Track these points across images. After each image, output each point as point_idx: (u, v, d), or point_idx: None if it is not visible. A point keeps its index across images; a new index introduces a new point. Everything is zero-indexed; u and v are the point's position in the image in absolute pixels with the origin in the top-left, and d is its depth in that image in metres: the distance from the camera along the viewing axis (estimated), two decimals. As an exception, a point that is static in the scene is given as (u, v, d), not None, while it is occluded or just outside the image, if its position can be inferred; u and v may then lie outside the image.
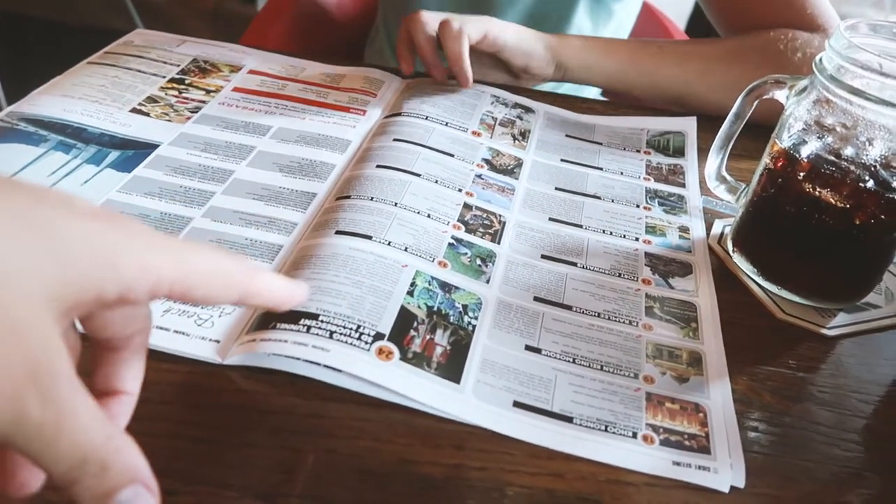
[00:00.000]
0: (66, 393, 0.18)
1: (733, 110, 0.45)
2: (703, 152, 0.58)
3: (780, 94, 0.42)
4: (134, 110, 0.54)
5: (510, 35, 0.60)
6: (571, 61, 0.63)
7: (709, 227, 0.50)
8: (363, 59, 0.91)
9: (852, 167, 0.39)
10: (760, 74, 0.43)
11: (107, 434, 0.19)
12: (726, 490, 0.32)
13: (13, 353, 0.17)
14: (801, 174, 0.40)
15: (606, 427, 0.34)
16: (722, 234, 0.49)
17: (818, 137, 0.40)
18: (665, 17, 0.99)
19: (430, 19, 0.58)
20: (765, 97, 0.43)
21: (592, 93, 0.88)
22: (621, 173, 0.54)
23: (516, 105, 0.61)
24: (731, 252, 0.46)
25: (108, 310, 0.22)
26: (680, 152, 0.58)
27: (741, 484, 0.32)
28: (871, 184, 0.38)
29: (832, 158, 0.39)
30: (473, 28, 0.57)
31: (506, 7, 0.76)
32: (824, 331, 0.42)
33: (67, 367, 0.18)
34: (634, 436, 0.34)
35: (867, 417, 0.37)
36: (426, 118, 0.56)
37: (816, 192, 0.39)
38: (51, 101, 0.53)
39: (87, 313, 0.20)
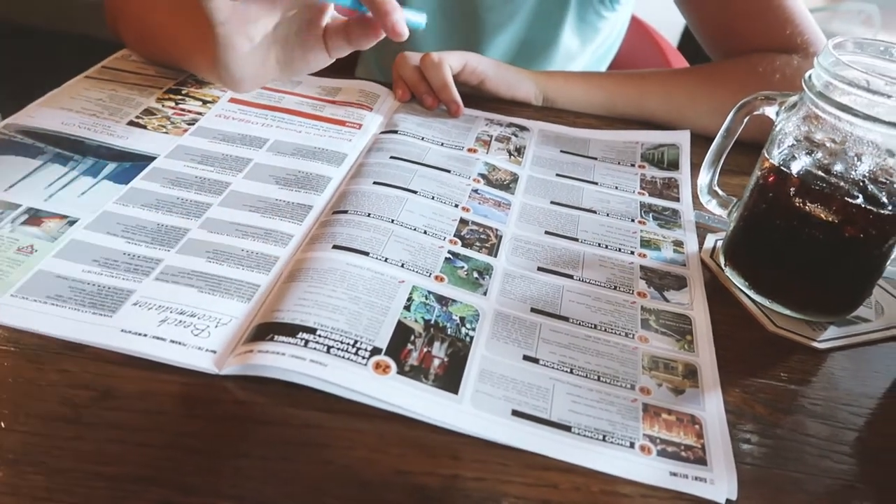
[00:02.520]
0: None
1: (724, 126, 0.46)
2: (696, 167, 0.58)
3: (770, 111, 0.43)
4: (131, 123, 0.54)
5: (488, 66, 0.63)
6: (557, 95, 0.66)
7: (701, 242, 0.50)
8: (354, 74, 0.92)
9: (841, 182, 0.39)
10: (743, 97, 0.44)
11: None
12: (722, 501, 0.32)
13: None
14: (791, 189, 0.40)
15: (604, 437, 0.34)
16: (714, 248, 0.49)
17: (808, 153, 0.41)
18: (657, 34, 1.01)
19: (415, 57, 0.62)
20: (755, 113, 0.44)
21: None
22: (616, 188, 0.55)
23: (511, 124, 0.62)
24: (723, 266, 0.47)
25: None
26: (674, 165, 0.59)
27: (734, 496, 0.33)
28: (859, 199, 0.39)
29: (821, 174, 0.40)
30: (453, 58, 0.61)
31: (495, 34, 0.78)
32: (815, 344, 0.42)
33: None
34: (632, 446, 0.34)
35: (858, 430, 0.38)
36: (422, 139, 0.56)
37: (806, 208, 0.40)
38: (49, 113, 0.53)
39: None
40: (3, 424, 0.31)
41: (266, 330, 0.36)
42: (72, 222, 0.43)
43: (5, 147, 0.49)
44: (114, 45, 0.65)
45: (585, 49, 0.81)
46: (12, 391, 0.33)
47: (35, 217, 0.43)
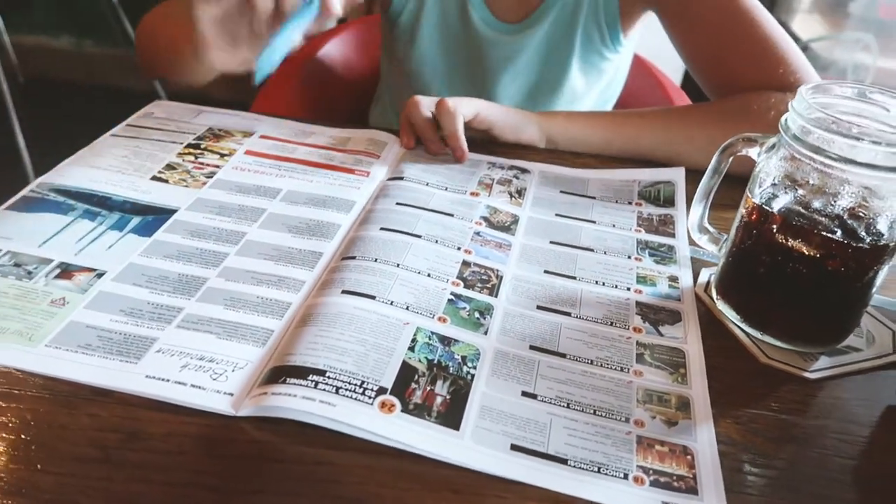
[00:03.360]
0: None
1: (710, 166, 0.48)
2: (691, 203, 0.60)
3: (752, 152, 0.45)
4: (154, 178, 0.58)
5: (498, 113, 0.66)
6: (559, 137, 0.69)
7: (696, 276, 0.52)
8: (368, 119, 0.96)
9: (821, 218, 0.41)
10: (738, 133, 0.47)
11: None
12: (712, 529, 0.34)
13: None
14: (774, 226, 0.43)
15: (599, 468, 0.36)
16: (708, 282, 0.51)
17: (788, 191, 0.43)
18: (660, 73, 1.04)
19: (426, 102, 0.65)
20: (738, 154, 0.46)
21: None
22: (613, 226, 0.57)
23: (512, 167, 0.64)
24: (715, 299, 0.48)
25: None
26: (670, 202, 0.61)
27: (725, 523, 0.34)
28: (839, 234, 0.41)
29: (802, 211, 0.42)
30: (466, 107, 0.63)
31: (501, 73, 0.81)
32: (806, 374, 0.44)
33: None
34: (626, 477, 0.35)
35: (851, 458, 0.39)
36: (427, 184, 0.59)
37: (789, 243, 0.42)
38: (78, 171, 0.57)
39: None
40: (39, 466, 0.34)
41: (279, 373, 0.38)
42: (100, 275, 0.46)
43: (39, 205, 0.53)
44: (136, 94, 0.70)
45: (591, 89, 0.84)
46: (47, 435, 0.36)
47: (66, 271, 0.46)
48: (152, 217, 0.53)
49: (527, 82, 0.82)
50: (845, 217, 0.41)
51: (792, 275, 0.42)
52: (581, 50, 0.79)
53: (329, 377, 0.38)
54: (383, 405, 0.37)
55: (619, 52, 0.82)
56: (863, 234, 0.41)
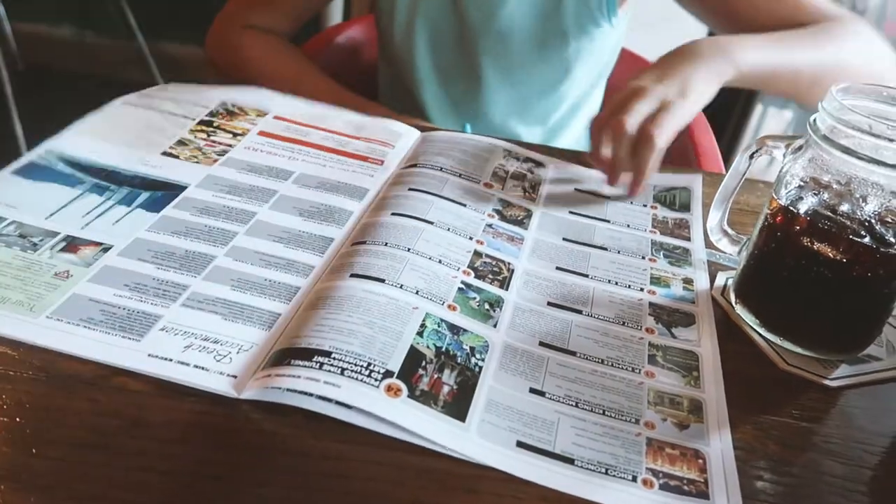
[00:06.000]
0: None
1: (732, 166, 0.47)
2: (708, 208, 0.59)
3: (776, 153, 0.44)
4: (165, 153, 0.57)
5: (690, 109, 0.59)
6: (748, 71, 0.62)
7: (713, 280, 0.51)
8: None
9: (848, 222, 0.40)
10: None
11: None
12: (724, 535, 0.32)
13: None
14: (799, 229, 0.41)
15: (607, 470, 0.35)
16: (725, 286, 0.50)
17: (814, 194, 0.42)
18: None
19: (631, 123, 0.55)
20: (762, 155, 0.45)
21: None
22: (628, 226, 0.56)
23: (528, 159, 0.63)
24: (734, 303, 0.47)
25: None
26: (686, 207, 0.60)
27: (740, 530, 0.33)
28: (867, 239, 0.39)
29: (829, 214, 0.41)
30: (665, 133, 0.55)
31: (492, 35, 0.78)
32: (827, 382, 0.42)
33: None
34: (634, 479, 0.34)
35: (873, 468, 0.38)
36: (441, 169, 0.58)
37: (814, 247, 0.41)
38: (87, 142, 0.56)
39: None
40: (34, 451, 0.33)
41: (283, 355, 0.37)
42: (106, 249, 0.45)
43: (47, 174, 0.52)
44: (135, 85, 0.68)
45: (581, 60, 0.80)
46: (44, 419, 0.34)
47: (72, 244, 0.45)
48: (161, 193, 0.52)
49: (517, 40, 0.78)
50: (873, 222, 0.40)
51: (816, 280, 0.41)
52: (575, 6, 0.75)
53: (335, 358, 0.37)
54: (389, 389, 0.36)
55: (612, 25, 0.78)
56: (891, 239, 0.39)
